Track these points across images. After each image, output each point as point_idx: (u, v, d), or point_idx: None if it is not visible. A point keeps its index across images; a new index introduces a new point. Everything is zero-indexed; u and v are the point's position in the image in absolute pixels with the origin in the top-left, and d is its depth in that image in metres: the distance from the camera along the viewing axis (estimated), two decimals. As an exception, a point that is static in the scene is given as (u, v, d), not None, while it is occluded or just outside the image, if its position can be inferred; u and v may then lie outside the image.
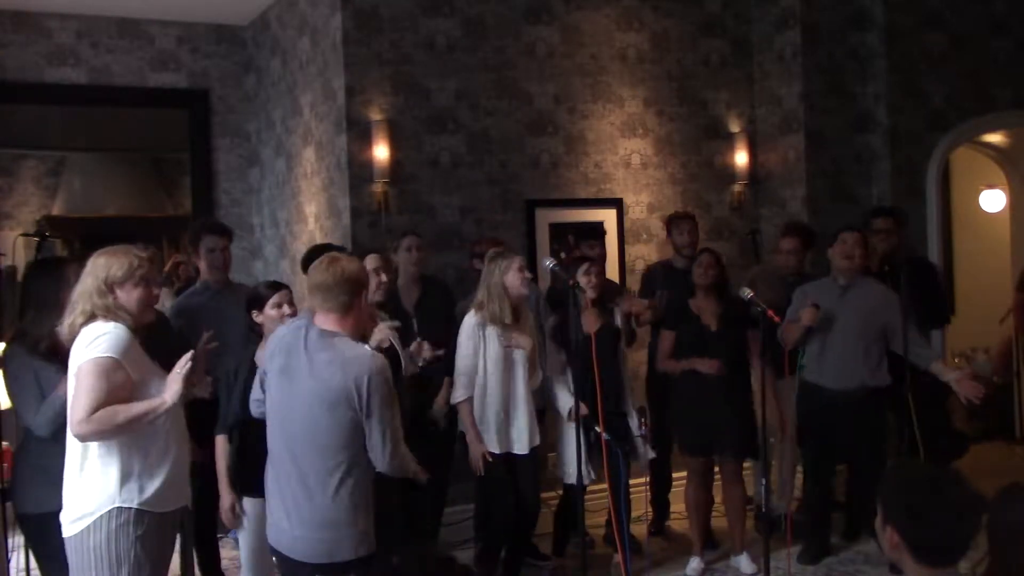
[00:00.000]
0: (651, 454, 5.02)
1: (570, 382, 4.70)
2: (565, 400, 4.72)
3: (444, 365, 4.78)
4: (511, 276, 4.59)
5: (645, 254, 6.53)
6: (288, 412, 3.19)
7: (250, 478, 3.66)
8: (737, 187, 6.81)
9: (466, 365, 4.63)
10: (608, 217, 6.39)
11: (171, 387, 3.07)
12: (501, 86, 6.10)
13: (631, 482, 4.81)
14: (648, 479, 5.34)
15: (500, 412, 4.64)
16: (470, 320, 4.65)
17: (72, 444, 3.07)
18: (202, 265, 4.92)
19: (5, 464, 3.96)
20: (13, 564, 4.42)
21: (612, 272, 6.28)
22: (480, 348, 4.61)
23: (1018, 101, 7.06)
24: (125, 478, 2.99)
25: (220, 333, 4.51)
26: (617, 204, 6.42)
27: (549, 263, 4.48)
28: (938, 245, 6.82)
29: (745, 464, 5.79)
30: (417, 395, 4.90)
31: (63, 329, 3.08)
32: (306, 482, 3.14)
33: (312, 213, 6.37)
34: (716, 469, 5.29)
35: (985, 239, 8.43)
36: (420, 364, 4.17)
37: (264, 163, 7.34)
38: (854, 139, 6.69)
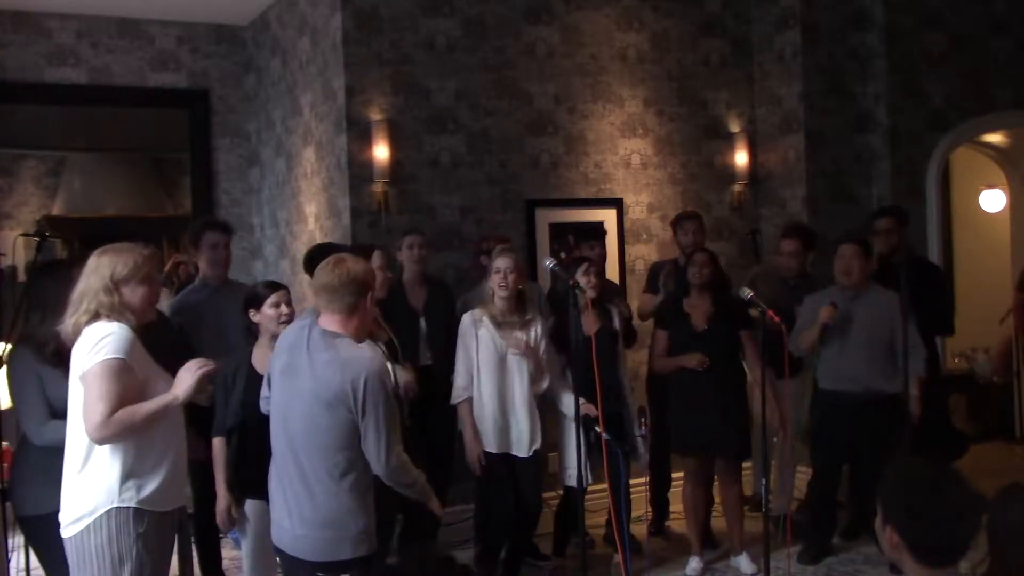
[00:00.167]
0: (646, 456, 5.03)
1: (570, 382, 4.71)
2: (569, 402, 4.72)
3: (449, 362, 4.87)
4: (491, 277, 4.72)
5: (645, 254, 6.53)
6: (289, 411, 3.20)
7: (250, 480, 3.66)
8: (737, 187, 6.81)
9: (463, 365, 4.70)
10: (608, 217, 6.38)
11: (183, 383, 3.08)
12: (501, 86, 6.10)
13: (631, 482, 4.81)
14: (647, 479, 5.34)
15: (496, 412, 4.67)
16: (465, 319, 4.74)
17: (73, 445, 3.06)
18: (202, 262, 4.93)
19: (5, 464, 3.95)
20: (13, 564, 4.42)
21: (612, 272, 6.28)
22: (474, 347, 4.67)
23: (1018, 101, 7.05)
24: (125, 478, 2.99)
25: (219, 331, 4.53)
26: (617, 204, 6.42)
27: (549, 263, 4.49)
28: (938, 245, 6.82)
29: (745, 464, 5.80)
30: (419, 392, 4.94)
31: (66, 328, 3.07)
32: (307, 481, 3.15)
33: (312, 213, 6.37)
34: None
35: (985, 239, 8.43)
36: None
37: (264, 163, 7.34)
38: (854, 139, 6.69)
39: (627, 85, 6.49)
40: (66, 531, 3.04)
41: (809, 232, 5.90)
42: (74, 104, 7.24)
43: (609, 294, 5.33)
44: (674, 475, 5.88)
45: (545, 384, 4.77)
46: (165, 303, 5.10)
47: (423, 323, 5.14)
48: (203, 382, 3.13)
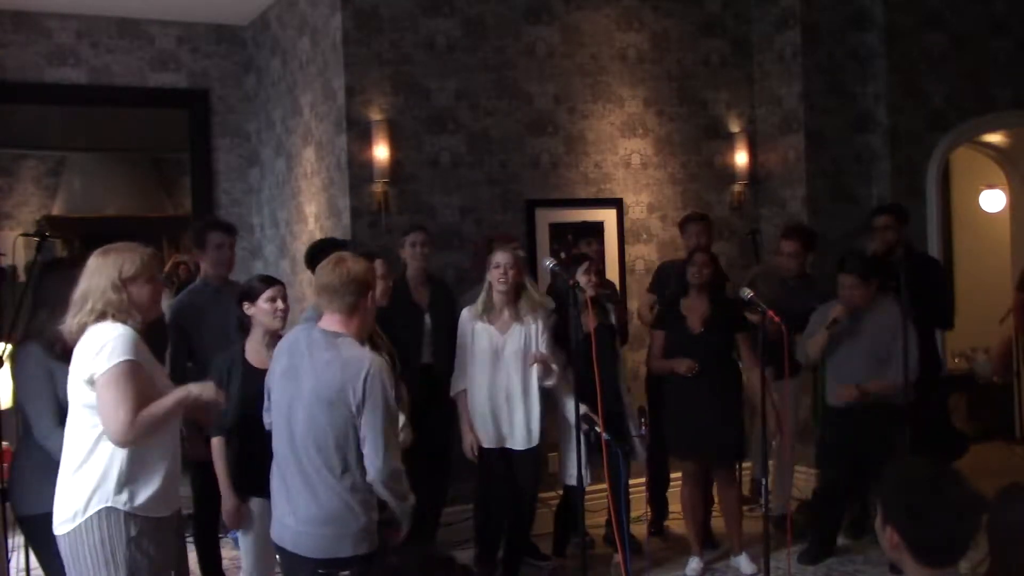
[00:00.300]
0: (643, 455, 5.04)
1: (571, 382, 4.71)
2: (570, 405, 4.73)
3: (450, 361, 4.93)
4: (490, 272, 4.75)
5: (645, 254, 6.52)
6: (291, 412, 3.21)
7: (254, 478, 3.65)
8: (737, 187, 6.81)
9: (460, 359, 4.80)
10: (608, 217, 6.38)
11: (201, 385, 3.17)
12: (501, 86, 6.10)
13: (631, 482, 4.81)
14: (646, 478, 5.35)
15: (488, 406, 4.73)
16: (464, 314, 4.83)
17: (72, 444, 3.05)
18: (206, 262, 4.92)
19: (5, 464, 3.95)
20: (13, 564, 4.42)
21: (612, 272, 6.28)
22: (470, 343, 4.74)
23: (1018, 101, 7.06)
24: (120, 480, 2.98)
25: (222, 331, 4.52)
26: (617, 204, 6.42)
27: (549, 263, 4.50)
28: (938, 245, 6.82)
29: (746, 465, 5.80)
30: (422, 390, 4.96)
31: (68, 327, 3.05)
32: (309, 479, 3.16)
33: (312, 213, 6.37)
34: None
35: (985, 239, 8.43)
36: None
37: (264, 163, 7.34)
38: (854, 139, 6.69)
39: (627, 85, 6.49)
40: (59, 528, 3.03)
41: (809, 233, 5.89)
42: (74, 104, 7.24)
43: (606, 293, 5.34)
44: (673, 475, 5.88)
45: (554, 379, 4.77)
46: (165, 302, 5.11)
47: (427, 320, 5.15)
48: (201, 407, 3.18)
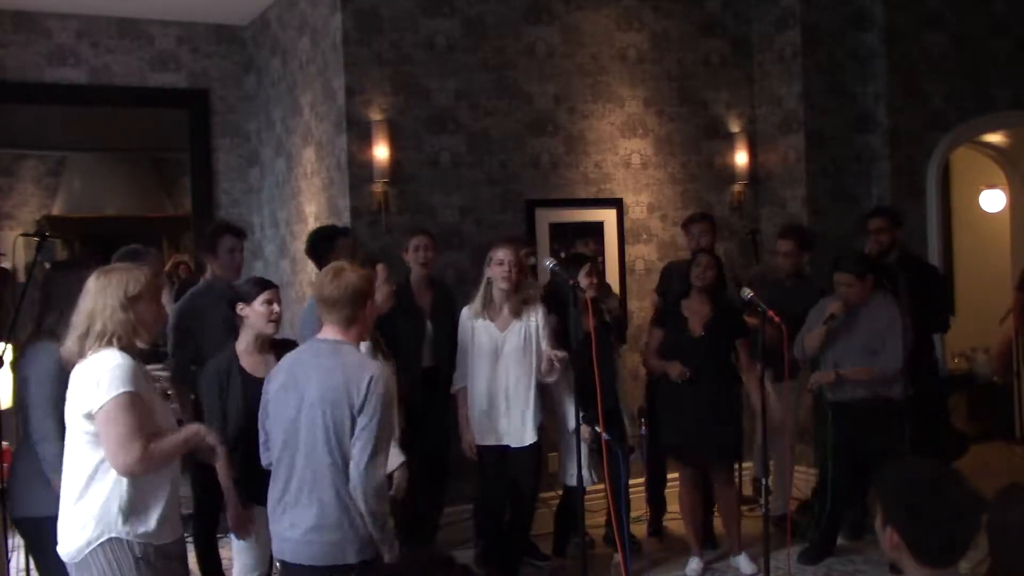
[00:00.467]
0: (642, 455, 5.05)
1: (571, 382, 4.72)
2: (569, 408, 4.72)
3: (450, 365, 4.93)
4: (492, 268, 4.73)
5: (645, 254, 6.52)
6: (293, 424, 3.20)
7: (260, 487, 3.59)
8: (737, 187, 6.81)
9: (461, 357, 4.82)
10: (608, 217, 6.38)
11: (209, 432, 3.23)
12: (501, 86, 6.10)
13: (630, 482, 4.81)
14: (644, 478, 5.35)
15: (487, 404, 4.74)
16: (464, 312, 4.85)
17: (71, 474, 3.02)
18: (217, 264, 4.90)
19: (5, 464, 3.94)
20: (13, 564, 4.42)
21: (612, 272, 6.29)
22: (469, 340, 4.75)
23: (1018, 101, 7.06)
24: (123, 509, 2.95)
25: (227, 333, 4.51)
26: (617, 204, 6.42)
27: (549, 263, 4.50)
28: (938, 245, 6.82)
29: (746, 465, 5.80)
30: (424, 389, 4.96)
31: (69, 348, 3.01)
32: (315, 486, 3.16)
33: (312, 213, 6.37)
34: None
35: (985, 239, 8.43)
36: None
37: (264, 163, 7.34)
38: (854, 139, 6.69)
39: (627, 85, 6.49)
40: (65, 558, 3.02)
41: (805, 232, 5.90)
42: (74, 104, 7.24)
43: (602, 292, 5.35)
44: (670, 475, 5.88)
45: (556, 375, 4.77)
46: (165, 301, 5.11)
47: (429, 325, 5.15)
48: (199, 443, 3.21)
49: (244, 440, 3.73)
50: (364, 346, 4.12)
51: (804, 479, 6.11)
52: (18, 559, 4.25)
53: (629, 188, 6.50)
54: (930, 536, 2.14)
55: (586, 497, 4.35)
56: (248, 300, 3.88)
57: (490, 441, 4.78)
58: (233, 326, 3.96)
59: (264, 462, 3.39)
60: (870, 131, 6.70)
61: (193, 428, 3.18)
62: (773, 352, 4.75)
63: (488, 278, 4.79)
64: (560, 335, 4.84)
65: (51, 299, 3.55)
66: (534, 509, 5.05)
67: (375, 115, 5.76)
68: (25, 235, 5.92)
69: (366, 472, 3.10)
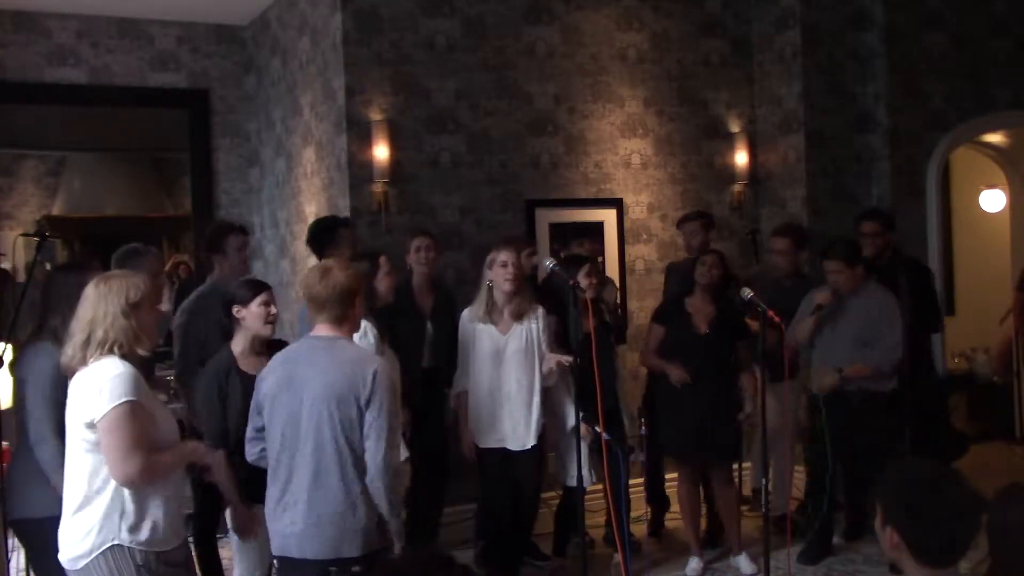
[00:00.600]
0: (642, 455, 5.05)
1: (571, 383, 4.71)
2: (568, 408, 4.72)
3: (450, 368, 4.93)
4: (494, 271, 4.72)
5: (645, 254, 6.53)
6: (294, 420, 3.21)
7: (261, 487, 3.59)
8: (737, 187, 6.81)
9: (462, 360, 4.80)
10: (608, 217, 6.39)
11: (210, 451, 3.29)
12: (501, 86, 6.10)
13: (630, 482, 4.81)
14: (644, 477, 5.34)
15: (489, 406, 4.73)
16: (465, 315, 4.83)
17: (72, 484, 3.01)
18: (227, 263, 4.87)
19: (4, 464, 3.94)
20: (13, 564, 4.41)
21: (612, 272, 6.29)
22: (471, 343, 4.74)
23: (1018, 101, 7.06)
24: (125, 516, 2.95)
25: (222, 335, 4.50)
26: (617, 204, 6.43)
27: (549, 263, 4.49)
28: (938, 245, 6.82)
29: (746, 465, 5.80)
30: (424, 389, 4.96)
31: (68, 355, 3.00)
32: (320, 479, 3.17)
33: (312, 213, 6.37)
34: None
35: (985, 239, 8.43)
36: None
37: (264, 163, 7.34)
38: (854, 139, 6.69)
39: (627, 85, 6.49)
40: (67, 565, 3.02)
41: (800, 231, 5.90)
42: (74, 104, 7.23)
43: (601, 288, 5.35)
44: (668, 475, 5.88)
45: (555, 379, 4.77)
46: (165, 302, 5.11)
47: (429, 327, 5.15)
48: (198, 461, 3.27)
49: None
50: (372, 335, 4.12)
51: (804, 479, 6.10)
52: (18, 559, 4.24)
53: (629, 188, 6.50)
54: (930, 536, 2.14)
55: (586, 497, 4.36)
56: (244, 302, 3.86)
57: (491, 444, 4.76)
58: (226, 329, 3.94)
59: (249, 458, 3.40)
60: (870, 131, 6.70)
61: (192, 446, 3.20)
62: (771, 352, 4.75)
63: (489, 281, 4.76)
64: (560, 335, 4.84)
65: (53, 301, 3.55)
66: (537, 511, 5.04)
67: (375, 115, 5.76)
68: (25, 235, 5.92)
69: (384, 463, 3.14)
